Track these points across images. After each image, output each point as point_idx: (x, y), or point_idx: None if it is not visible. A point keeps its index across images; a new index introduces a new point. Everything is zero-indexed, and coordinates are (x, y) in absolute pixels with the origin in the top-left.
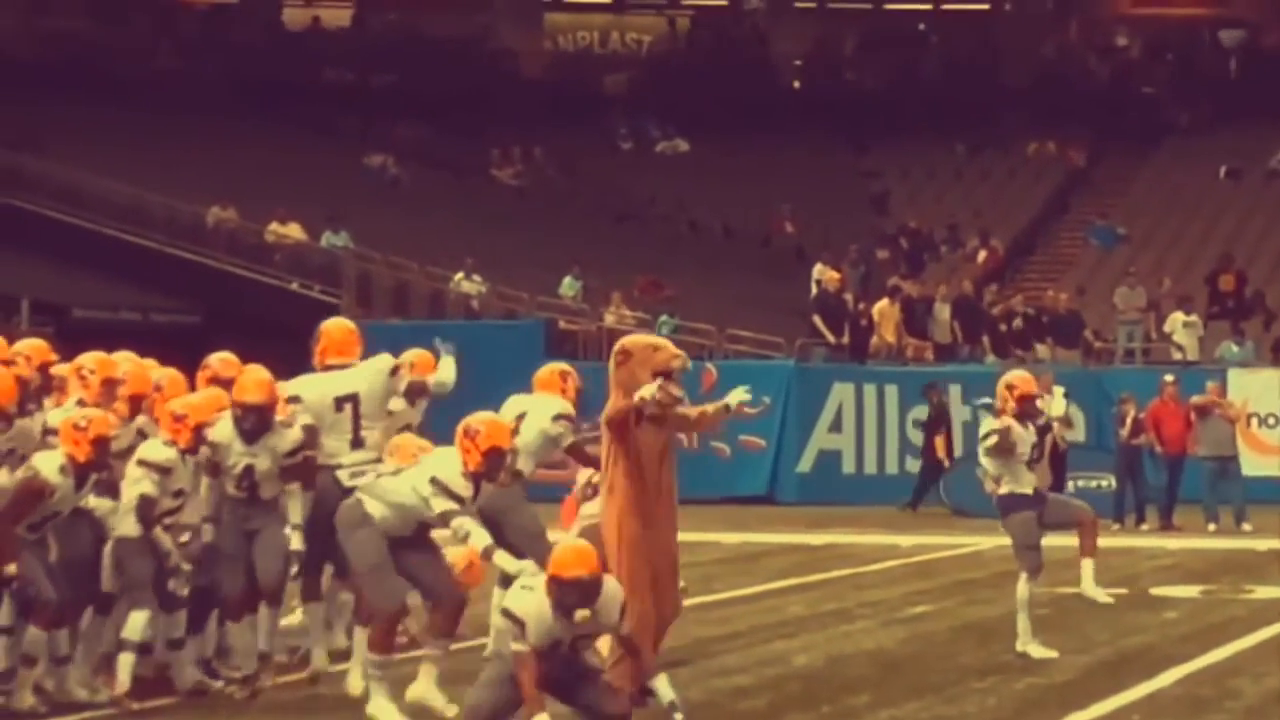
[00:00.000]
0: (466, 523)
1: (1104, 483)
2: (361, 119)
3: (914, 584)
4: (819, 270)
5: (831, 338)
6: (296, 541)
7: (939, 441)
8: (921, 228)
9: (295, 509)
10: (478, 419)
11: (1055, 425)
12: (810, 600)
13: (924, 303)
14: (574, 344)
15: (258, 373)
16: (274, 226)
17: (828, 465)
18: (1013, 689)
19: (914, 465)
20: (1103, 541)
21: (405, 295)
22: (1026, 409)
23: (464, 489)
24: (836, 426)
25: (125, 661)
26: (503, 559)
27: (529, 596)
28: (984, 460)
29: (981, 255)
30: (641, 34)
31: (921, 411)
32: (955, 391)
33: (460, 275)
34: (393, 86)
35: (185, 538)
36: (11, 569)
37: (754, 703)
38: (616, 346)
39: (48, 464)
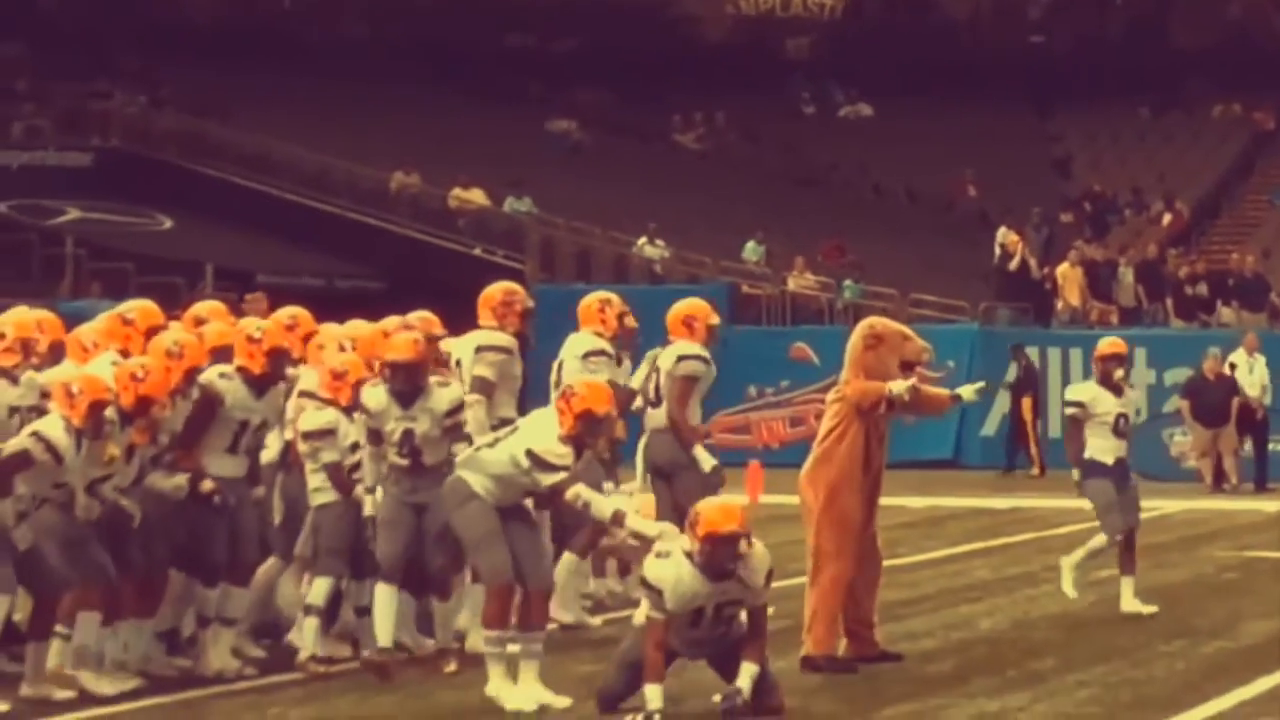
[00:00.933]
0: (584, 491)
1: None
2: (544, 84)
3: None
4: (1002, 234)
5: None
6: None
7: (1026, 403)
8: (1105, 191)
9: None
10: (580, 382)
11: (1243, 389)
12: (995, 564)
13: (1108, 266)
14: (757, 308)
15: (410, 332)
16: (457, 192)
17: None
18: (1201, 653)
19: None
20: None
21: (588, 260)
22: (1105, 369)
23: (563, 456)
24: None
25: (310, 626)
26: (637, 522)
27: (666, 563)
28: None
29: (1166, 218)
30: None
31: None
32: (1141, 355)
33: (643, 240)
34: (575, 52)
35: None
36: (208, 485)
37: (940, 666)
38: (866, 328)
39: (212, 373)
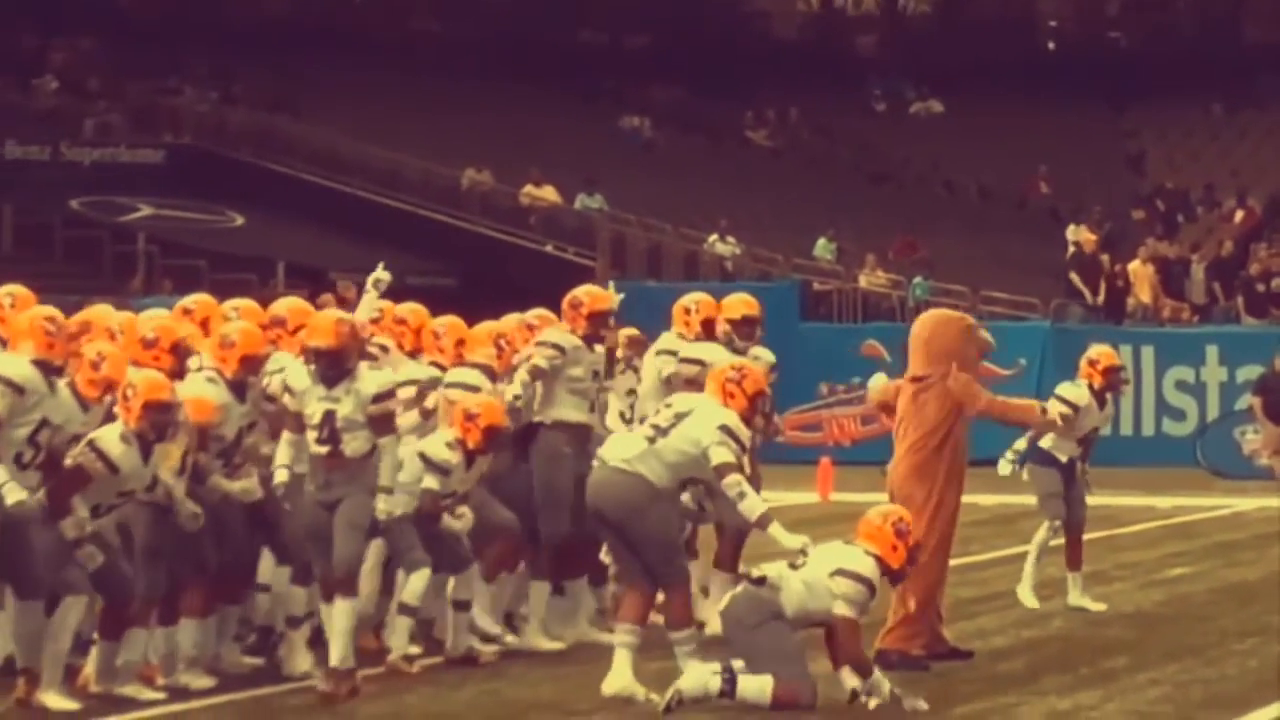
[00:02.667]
0: (744, 483)
1: None
2: (616, 81)
3: (1172, 546)
4: (1073, 231)
5: (1089, 296)
6: (383, 506)
7: None
8: (1178, 188)
9: (385, 468)
10: (742, 363)
11: None
12: None
13: (1180, 263)
14: (829, 305)
15: (331, 314)
16: (529, 189)
17: None
18: (1274, 651)
19: (1171, 426)
20: None
21: (659, 257)
22: (1110, 381)
23: (746, 435)
24: None
25: (402, 625)
26: (780, 532)
27: (870, 560)
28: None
29: (1238, 215)
30: None
31: (1180, 373)
32: (1213, 352)
33: (714, 237)
34: (648, 48)
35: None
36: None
37: (1012, 665)
38: (959, 319)
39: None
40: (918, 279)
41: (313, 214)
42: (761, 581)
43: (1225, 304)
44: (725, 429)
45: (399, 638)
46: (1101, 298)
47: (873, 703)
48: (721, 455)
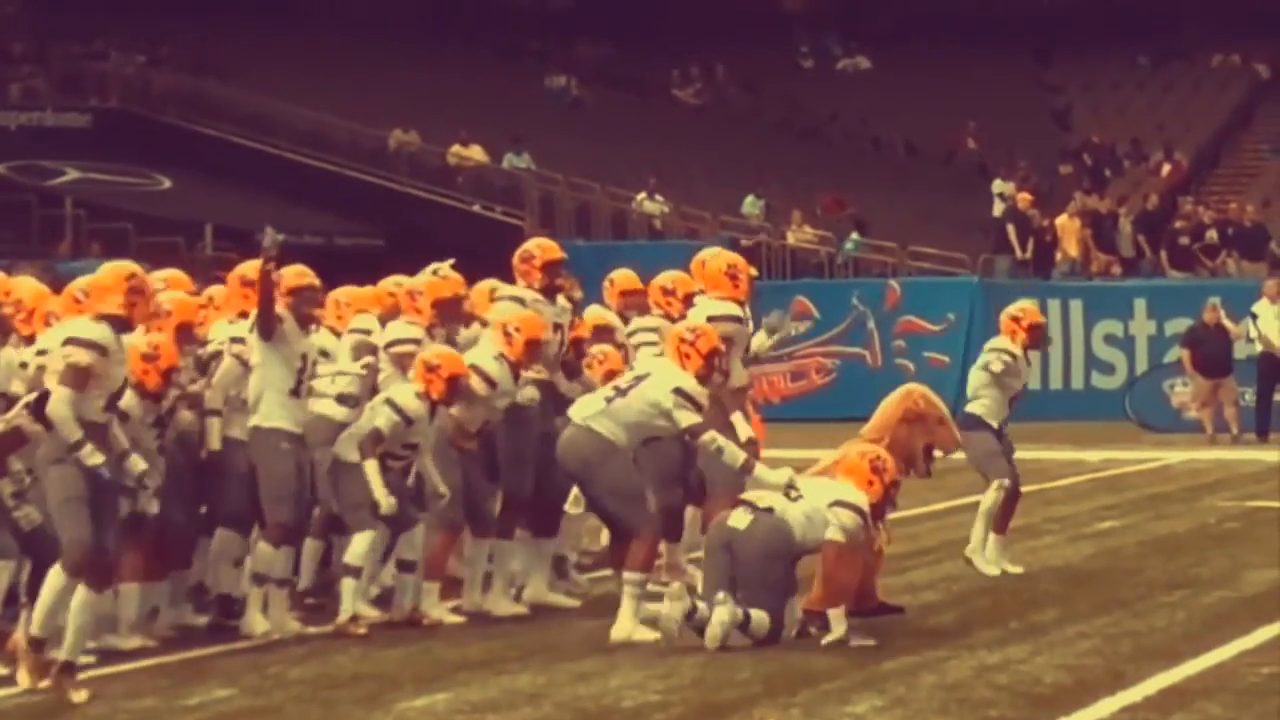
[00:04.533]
0: (719, 437)
1: None
2: (542, 40)
3: (1101, 499)
4: (999, 185)
5: (1020, 251)
6: (139, 464)
7: None
8: (1104, 141)
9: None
10: (696, 324)
11: (1268, 338)
12: None
13: (1109, 217)
14: (757, 262)
15: (116, 270)
16: (456, 149)
17: None
18: (1201, 603)
19: (1100, 380)
20: None
21: (588, 216)
22: (1034, 339)
23: (703, 395)
24: None
25: (348, 587)
26: (764, 471)
27: (863, 494)
28: (977, 374)
29: (1165, 169)
30: None
31: (1109, 327)
32: (1141, 305)
33: (642, 195)
34: (573, 7)
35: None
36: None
37: (942, 619)
38: (910, 402)
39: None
40: (854, 235)
41: (240, 176)
42: (770, 511)
43: (1150, 258)
44: (679, 391)
45: (345, 599)
46: (1029, 253)
47: (826, 638)
48: (687, 418)
